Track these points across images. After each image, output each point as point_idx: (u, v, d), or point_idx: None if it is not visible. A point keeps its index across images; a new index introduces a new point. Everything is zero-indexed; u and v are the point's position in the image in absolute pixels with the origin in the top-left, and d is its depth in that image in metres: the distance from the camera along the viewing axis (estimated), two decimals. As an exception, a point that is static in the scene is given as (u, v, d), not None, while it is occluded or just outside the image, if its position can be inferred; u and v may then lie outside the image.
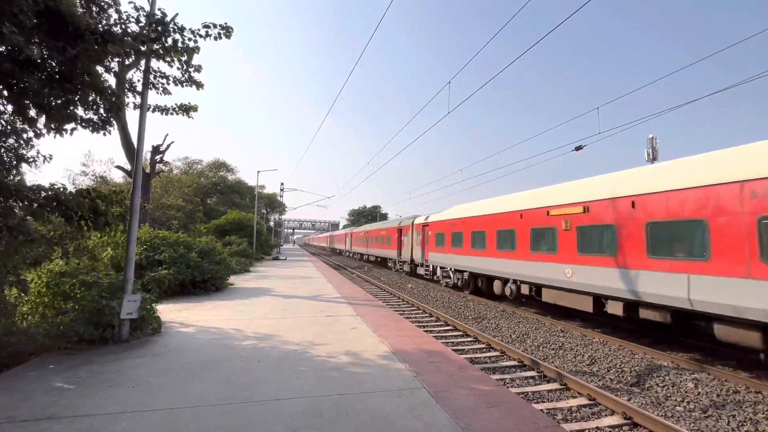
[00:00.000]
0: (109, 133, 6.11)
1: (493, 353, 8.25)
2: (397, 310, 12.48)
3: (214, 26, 6.00)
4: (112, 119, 6.03)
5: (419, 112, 13.44)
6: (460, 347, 8.61)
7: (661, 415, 5.45)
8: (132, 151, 12.63)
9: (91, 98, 5.35)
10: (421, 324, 10.81)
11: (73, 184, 29.52)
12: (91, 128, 5.67)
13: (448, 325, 10.81)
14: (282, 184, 42.60)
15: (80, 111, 5.47)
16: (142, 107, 7.16)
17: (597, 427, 5.06)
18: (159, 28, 5.50)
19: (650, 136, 23.75)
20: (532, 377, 6.89)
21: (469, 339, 9.39)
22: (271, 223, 58.81)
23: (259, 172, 33.73)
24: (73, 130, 5.46)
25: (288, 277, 17.78)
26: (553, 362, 7.84)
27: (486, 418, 3.81)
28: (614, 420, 5.25)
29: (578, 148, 12.03)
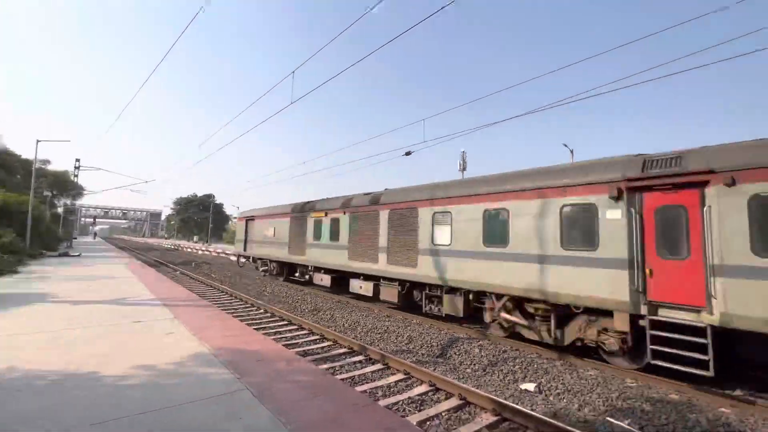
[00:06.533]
0: None
1: (326, 343, 8.49)
2: (226, 309, 11.48)
3: None
4: None
5: (258, 100, 12.62)
6: (293, 341, 8.53)
7: (456, 378, 6.65)
8: None
9: None
10: (253, 321, 10.24)
11: None
12: None
13: (283, 320, 10.59)
14: (78, 160, 33.27)
15: None
16: None
17: (409, 397, 5.79)
18: None
19: (462, 150, 28.86)
20: (360, 361, 7.40)
21: (304, 332, 9.42)
22: (60, 209, 45.55)
23: (39, 141, 25.41)
24: None
25: (80, 277, 14.09)
26: (378, 345, 8.61)
27: (309, 408, 3.85)
28: (423, 388, 6.12)
29: (407, 154, 13.55)
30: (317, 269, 15.35)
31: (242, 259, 23.47)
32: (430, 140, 13.14)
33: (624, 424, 5.17)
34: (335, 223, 14.07)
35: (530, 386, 6.42)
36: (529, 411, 4.95)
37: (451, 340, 8.72)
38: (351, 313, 11.55)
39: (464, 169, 28.86)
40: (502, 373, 6.94)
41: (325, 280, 14.68)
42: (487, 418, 5.14)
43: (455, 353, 8.03)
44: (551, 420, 4.74)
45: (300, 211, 16.70)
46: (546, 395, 6.16)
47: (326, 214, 14.58)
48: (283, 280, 18.50)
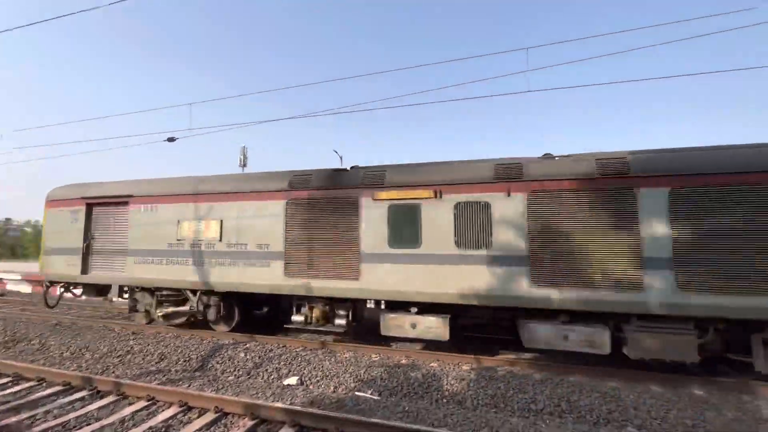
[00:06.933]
0: None
1: (23, 386, 6.12)
2: None
3: None
4: None
5: None
6: (-44, 394, 5.72)
7: (214, 390, 6.08)
8: None
9: None
10: None
11: None
12: None
13: (-59, 364, 6.98)
14: None
15: None
16: None
17: (150, 427, 4.86)
18: None
19: (243, 145, 27.42)
20: (81, 398, 5.70)
21: (-17, 376, 6.48)
22: None
23: None
24: None
25: None
26: (115, 371, 6.91)
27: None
28: (171, 411, 5.27)
29: (171, 140, 11.64)
30: (395, 306, 7.88)
31: (54, 290, 10.68)
32: (197, 128, 11.65)
33: (367, 394, 6.04)
34: (480, 211, 7.32)
35: (293, 380, 6.60)
36: (283, 406, 5.02)
37: (215, 349, 7.97)
38: (77, 337, 8.83)
39: (245, 164, 27.48)
40: (267, 373, 6.86)
41: (433, 326, 7.45)
42: (245, 424, 4.91)
43: (218, 362, 7.37)
44: (306, 409, 4.97)
45: (332, 187, 8.18)
46: (307, 385, 6.48)
47: (439, 195, 7.62)
48: (228, 330, 9.27)
